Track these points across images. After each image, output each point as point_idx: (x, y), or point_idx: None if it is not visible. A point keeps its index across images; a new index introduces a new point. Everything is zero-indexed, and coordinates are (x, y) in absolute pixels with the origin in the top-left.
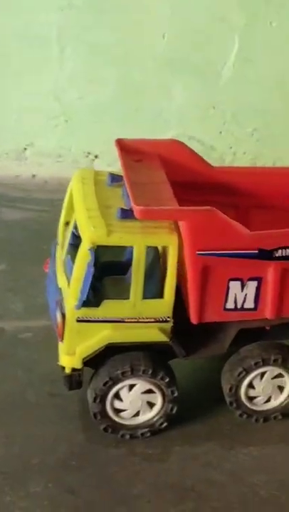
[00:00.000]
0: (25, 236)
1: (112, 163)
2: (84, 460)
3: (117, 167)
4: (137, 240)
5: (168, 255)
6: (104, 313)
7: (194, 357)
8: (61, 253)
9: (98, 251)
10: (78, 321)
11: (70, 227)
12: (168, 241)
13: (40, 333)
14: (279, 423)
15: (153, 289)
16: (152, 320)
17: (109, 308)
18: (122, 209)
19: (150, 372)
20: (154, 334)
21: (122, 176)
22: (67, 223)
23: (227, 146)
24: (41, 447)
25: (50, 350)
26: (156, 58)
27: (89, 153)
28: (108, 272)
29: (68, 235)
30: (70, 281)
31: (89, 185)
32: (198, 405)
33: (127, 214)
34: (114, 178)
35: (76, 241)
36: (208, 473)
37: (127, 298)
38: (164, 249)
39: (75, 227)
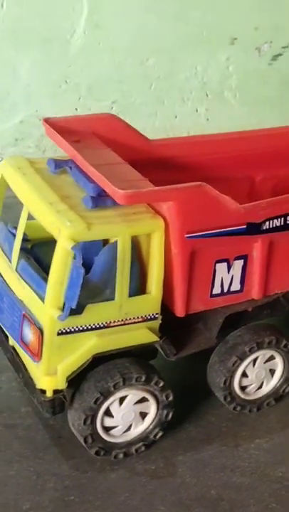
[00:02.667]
0: None
1: None
2: (83, 492)
3: None
4: (121, 231)
5: (152, 243)
6: (88, 320)
7: (182, 354)
8: (3, 260)
9: (42, 250)
10: (60, 333)
11: (20, 229)
12: (154, 227)
13: None
14: (273, 409)
15: (132, 285)
16: (140, 319)
17: (93, 313)
18: (92, 197)
19: (143, 379)
20: (144, 335)
21: (66, 161)
22: None
23: None
24: (26, 488)
25: None
26: None
27: None
28: None
29: (5, 237)
30: (47, 289)
31: (32, 175)
32: (181, 407)
33: (98, 202)
34: (58, 164)
35: (23, 242)
36: (228, 478)
37: (104, 299)
38: (137, 238)
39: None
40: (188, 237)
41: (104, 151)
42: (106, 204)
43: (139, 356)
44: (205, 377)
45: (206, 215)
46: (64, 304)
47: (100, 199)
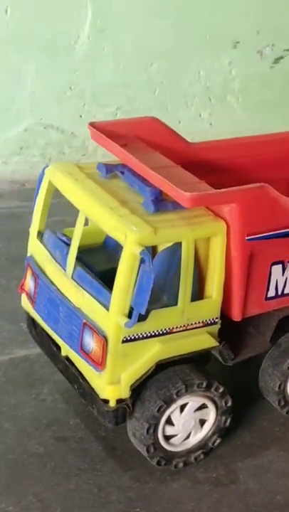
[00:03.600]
0: None
1: None
2: (148, 503)
3: None
4: (186, 234)
5: (213, 246)
6: (152, 327)
7: (238, 359)
8: (56, 268)
9: (90, 258)
10: (125, 341)
11: (76, 236)
12: (217, 230)
13: None
14: None
15: (193, 290)
16: (201, 324)
17: (156, 319)
18: (153, 201)
19: (204, 385)
20: (205, 340)
21: (116, 166)
22: (38, 233)
23: None
24: (89, 502)
25: (24, 390)
26: (0, 38)
27: None
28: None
29: (55, 245)
30: (113, 295)
31: (84, 180)
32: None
33: (159, 206)
34: (109, 169)
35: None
36: None
37: (161, 305)
38: (197, 242)
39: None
40: (248, 239)
41: (154, 154)
42: (166, 208)
43: (194, 362)
44: (249, 381)
45: (267, 216)
46: (131, 311)
47: (161, 203)
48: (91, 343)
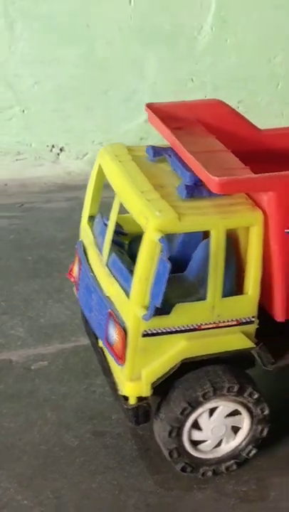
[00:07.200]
0: (2, 248)
1: (81, 155)
2: None
3: (87, 159)
4: (215, 223)
5: (250, 238)
6: (177, 321)
7: (280, 364)
8: (96, 254)
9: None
10: (145, 335)
11: (111, 220)
12: (252, 220)
13: (57, 360)
14: None
15: (227, 284)
16: (234, 323)
17: (182, 313)
18: (186, 186)
19: (236, 389)
20: (238, 340)
21: (165, 149)
22: (91, 217)
23: None
24: (106, 503)
25: (78, 379)
26: (123, 28)
27: (53, 146)
28: None
29: (101, 230)
30: (132, 285)
31: (128, 162)
32: (280, 422)
33: (193, 191)
34: (157, 152)
35: (119, 237)
36: None
37: (199, 299)
38: (236, 233)
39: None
40: (288, 232)
41: (208, 139)
42: (202, 194)
43: (235, 364)
44: None
45: None
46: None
47: (196, 188)
48: (114, 334)
